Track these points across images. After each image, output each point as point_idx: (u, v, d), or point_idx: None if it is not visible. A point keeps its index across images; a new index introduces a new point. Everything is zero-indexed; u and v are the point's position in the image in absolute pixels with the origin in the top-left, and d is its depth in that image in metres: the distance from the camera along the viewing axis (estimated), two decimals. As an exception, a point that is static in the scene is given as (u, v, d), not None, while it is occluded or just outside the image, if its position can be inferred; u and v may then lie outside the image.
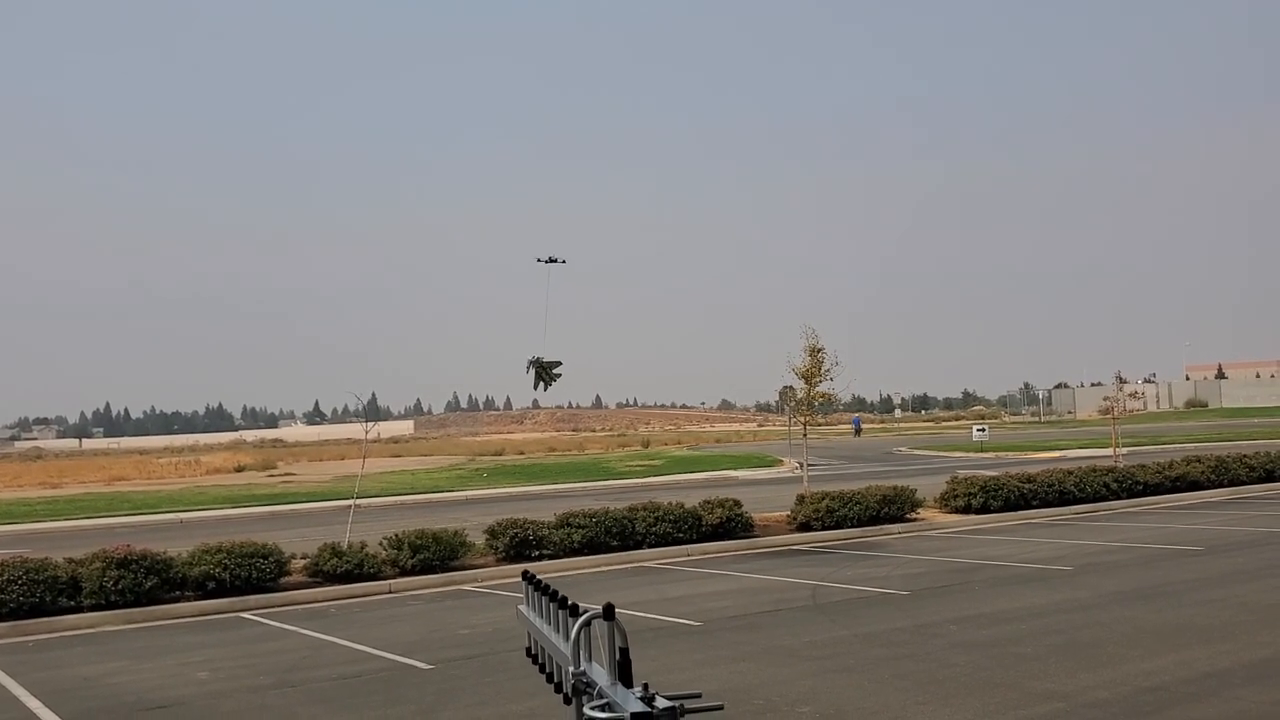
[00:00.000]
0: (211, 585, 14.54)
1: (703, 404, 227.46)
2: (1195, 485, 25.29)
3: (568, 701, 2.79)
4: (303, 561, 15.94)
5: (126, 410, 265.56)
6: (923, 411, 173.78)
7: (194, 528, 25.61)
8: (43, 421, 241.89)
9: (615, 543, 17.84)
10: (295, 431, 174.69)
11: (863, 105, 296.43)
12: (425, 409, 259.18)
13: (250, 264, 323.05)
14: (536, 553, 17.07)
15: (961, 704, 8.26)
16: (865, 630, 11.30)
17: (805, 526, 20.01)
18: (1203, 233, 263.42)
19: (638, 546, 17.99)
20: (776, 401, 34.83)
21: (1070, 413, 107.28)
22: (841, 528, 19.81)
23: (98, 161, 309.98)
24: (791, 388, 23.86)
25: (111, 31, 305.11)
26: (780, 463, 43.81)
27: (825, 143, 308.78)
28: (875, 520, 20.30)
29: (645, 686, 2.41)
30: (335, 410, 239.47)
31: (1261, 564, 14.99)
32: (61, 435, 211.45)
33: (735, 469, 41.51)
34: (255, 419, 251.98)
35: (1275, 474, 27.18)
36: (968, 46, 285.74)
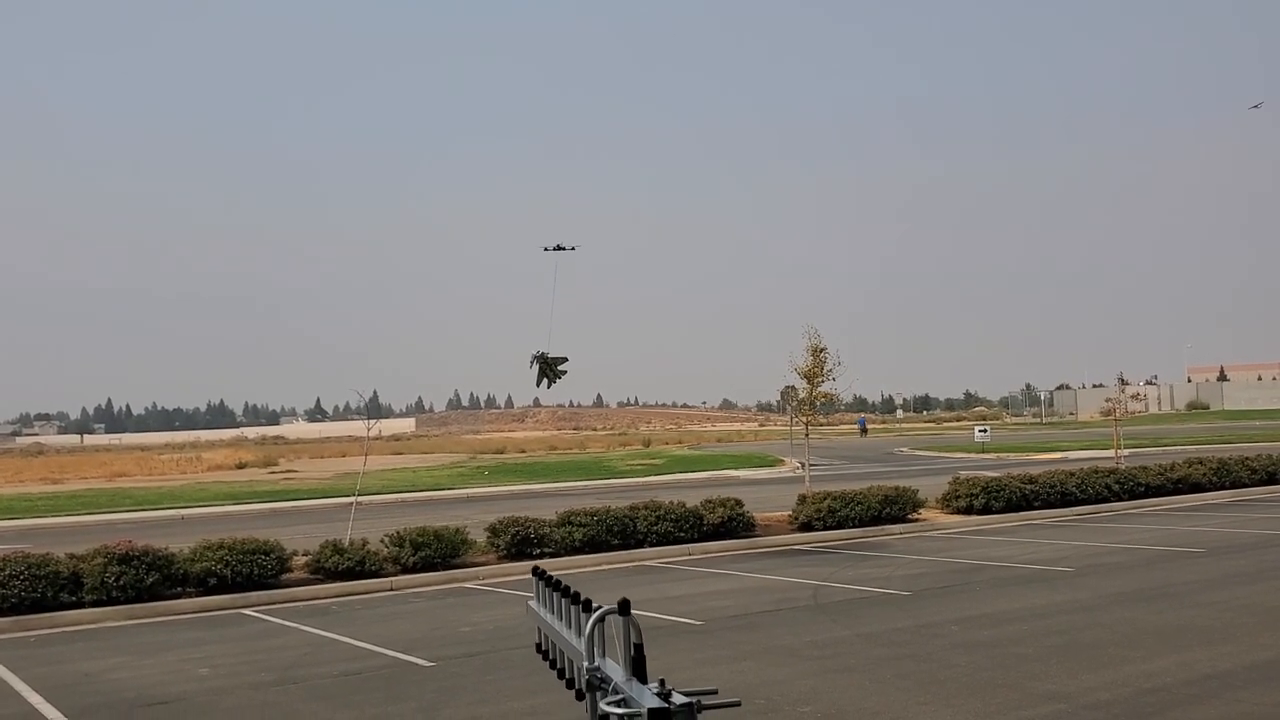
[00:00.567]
0: (213, 582, 14.55)
1: (704, 403, 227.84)
2: (1197, 487, 25.27)
3: (580, 697, 2.77)
4: (304, 558, 15.94)
5: (128, 406, 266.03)
6: (924, 412, 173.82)
7: (195, 524, 25.62)
8: (44, 417, 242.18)
9: (616, 541, 17.84)
10: (297, 429, 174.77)
11: (863, 105, 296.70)
12: (427, 407, 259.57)
13: (252, 261, 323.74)
14: (538, 551, 17.07)
15: (963, 704, 8.25)
16: (867, 630, 11.29)
17: (807, 526, 20.00)
18: (1204, 234, 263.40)
19: (639, 545, 17.99)
20: (778, 401, 34.81)
21: (1072, 414, 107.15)
22: (843, 528, 19.80)
23: (100, 160, 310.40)
24: (793, 387, 23.84)
25: (113, 31, 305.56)
26: (781, 462, 43.80)
27: (825, 142, 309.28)
28: (877, 520, 20.29)
29: (662, 682, 2.38)
30: (337, 407, 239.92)
31: (1263, 566, 14.98)
32: (63, 431, 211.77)
33: (736, 468, 41.49)
34: (257, 416, 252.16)
35: (1277, 476, 27.15)
36: (968, 47, 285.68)
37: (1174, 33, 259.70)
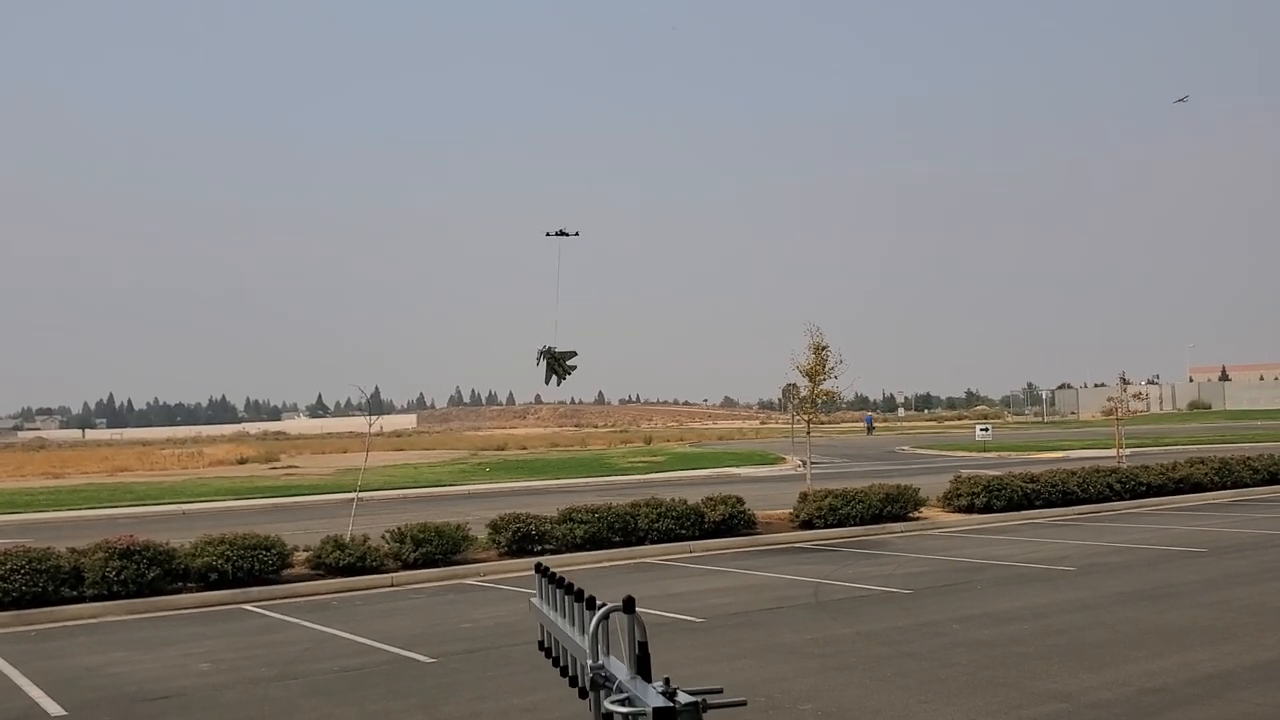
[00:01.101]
0: (214, 577, 14.55)
1: (705, 401, 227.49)
2: (1199, 487, 25.24)
3: (583, 695, 2.75)
4: (305, 554, 15.95)
5: (129, 401, 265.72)
6: (926, 411, 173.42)
7: (196, 519, 25.65)
8: (46, 412, 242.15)
9: (617, 538, 17.83)
10: (298, 424, 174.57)
11: (863, 106, 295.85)
12: (428, 403, 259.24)
13: (254, 257, 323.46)
14: (539, 547, 17.07)
15: (964, 703, 8.24)
16: (867, 628, 11.28)
17: (808, 524, 19.99)
18: (1207, 234, 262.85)
19: (640, 542, 17.98)
20: (780, 399, 34.79)
21: (1073, 413, 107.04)
22: (844, 526, 19.79)
23: (102, 154, 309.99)
24: (795, 385, 23.84)
25: (115, 28, 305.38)
26: (783, 460, 43.80)
27: (823, 142, 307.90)
28: (878, 519, 20.28)
29: (666, 681, 2.36)
30: (338, 404, 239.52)
31: (1265, 566, 14.96)
32: (64, 426, 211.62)
33: (738, 466, 41.49)
34: (258, 411, 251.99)
35: (1279, 476, 27.12)
36: (968, 47, 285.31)
37: (1174, 33, 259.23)
